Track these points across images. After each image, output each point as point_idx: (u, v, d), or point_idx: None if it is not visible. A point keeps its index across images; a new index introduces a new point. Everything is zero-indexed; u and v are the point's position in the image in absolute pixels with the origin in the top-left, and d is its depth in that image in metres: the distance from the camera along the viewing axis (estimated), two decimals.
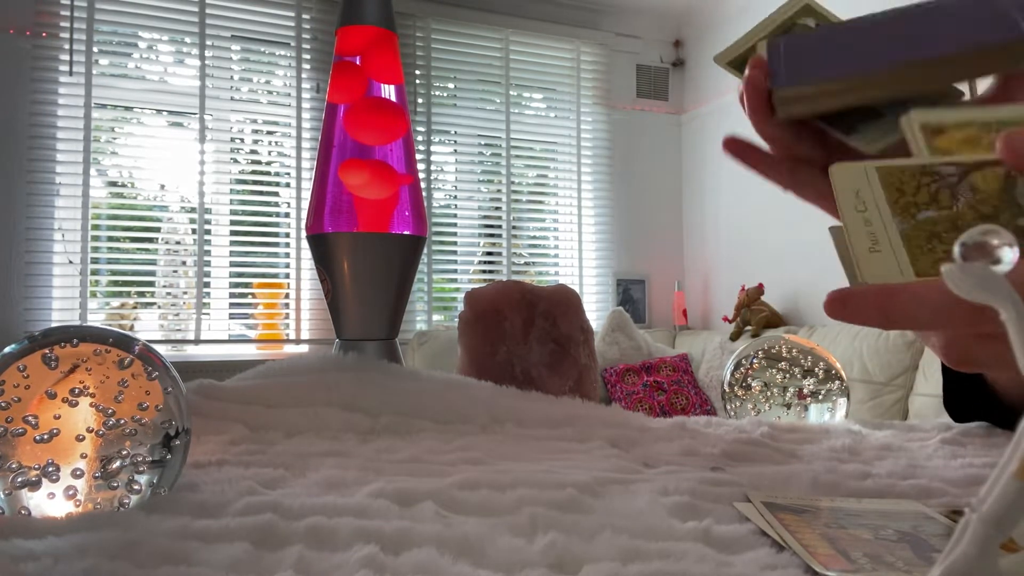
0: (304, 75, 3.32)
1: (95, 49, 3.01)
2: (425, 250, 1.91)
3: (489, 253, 3.81)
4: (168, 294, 3.18)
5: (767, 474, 0.54)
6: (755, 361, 0.90)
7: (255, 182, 3.38)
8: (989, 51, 0.37)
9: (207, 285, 3.16)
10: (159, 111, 3.22)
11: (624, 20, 3.97)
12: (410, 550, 0.35)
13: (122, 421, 0.42)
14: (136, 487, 0.42)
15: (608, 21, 3.93)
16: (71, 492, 0.40)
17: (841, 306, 0.30)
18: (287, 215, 3.35)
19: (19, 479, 0.39)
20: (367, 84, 1.22)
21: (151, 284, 3.19)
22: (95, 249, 3.04)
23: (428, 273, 3.56)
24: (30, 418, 0.40)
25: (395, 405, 0.76)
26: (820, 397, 0.87)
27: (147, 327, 3.15)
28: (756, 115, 0.44)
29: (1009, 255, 0.18)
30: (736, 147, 0.48)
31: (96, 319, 3.05)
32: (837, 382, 0.88)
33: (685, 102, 4.11)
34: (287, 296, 3.31)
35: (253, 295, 3.32)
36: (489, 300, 0.97)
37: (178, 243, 3.22)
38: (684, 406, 3.14)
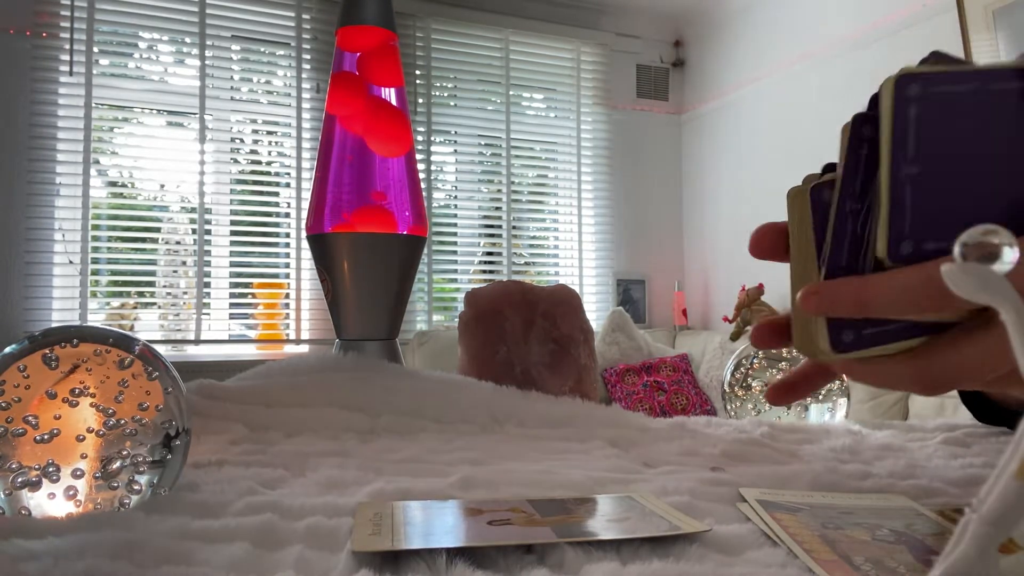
0: (304, 75, 3.32)
1: (95, 49, 3.01)
2: (425, 250, 1.91)
3: (489, 253, 3.81)
4: (168, 294, 3.18)
5: (767, 474, 0.54)
6: (755, 361, 0.90)
7: (255, 182, 3.38)
8: None
9: (207, 285, 3.16)
10: (159, 111, 3.22)
11: (624, 20, 3.97)
12: None
13: (122, 421, 0.42)
14: (136, 487, 0.42)
15: (608, 21, 3.93)
16: (71, 492, 0.40)
17: (816, 298, 0.31)
18: (287, 215, 3.35)
19: (19, 479, 0.39)
20: (367, 94, 1.22)
21: (151, 284, 3.19)
22: (95, 249, 3.04)
23: (428, 273, 3.56)
24: (30, 418, 0.40)
25: (395, 405, 0.76)
26: (820, 397, 0.87)
27: (147, 327, 3.15)
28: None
29: (1009, 255, 0.18)
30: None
31: (96, 319, 3.05)
32: (837, 382, 0.88)
33: (685, 102, 4.11)
34: (287, 296, 3.31)
35: (253, 295, 3.32)
36: (489, 300, 0.97)
37: (178, 243, 3.22)
38: (684, 406, 3.14)
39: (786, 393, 0.40)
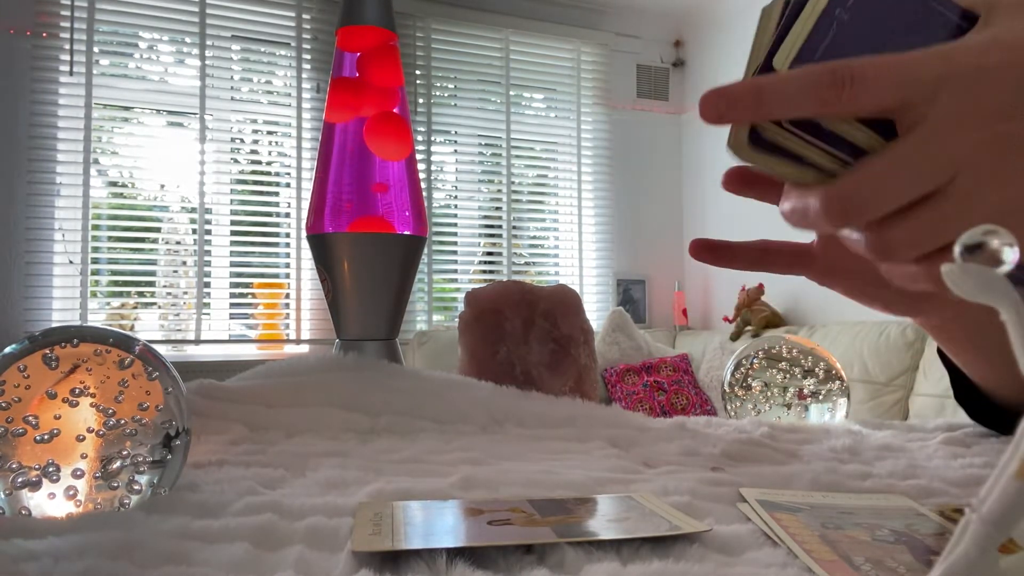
0: (304, 75, 3.33)
1: (95, 49, 3.01)
2: (425, 250, 1.91)
3: (489, 253, 3.81)
4: (168, 294, 3.18)
5: (767, 474, 0.54)
6: (755, 361, 0.90)
7: (255, 182, 3.38)
8: None
9: (207, 285, 3.16)
10: (159, 111, 3.22)
11: (624, 20, 3.97)
12: None
13: (122, 421, 0.42)
14: (136, 487, 0.42)
15: (608, 21, 3.93)
16: (71, 492, 0.40)
17: (715, 97, 0.32)
18: (287, 215, 3.35)
19: (19, 479, 0.39)
20: (366, 99, 1.22)
21: (151, 284, 3.19)
22: (95, 249, 3.05)
23: (428, 273, 3.56)
24: (30, 418, 0.40)
25: (395, 405, 0.76)
26: (820, 397, 0.87)
27: (147, 327, 3.15)
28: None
29: (1010, 255, 0.18)
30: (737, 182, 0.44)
31: (96, 319, 3.05)
32: (837, 382, 0.88)
33: (685, 102, 4.11)
34: (287, 296, 3.31)
35: (253, 295, 3.32)
36: (489, 300, 0.97)
37: (178, 243, 3.22)
38: (684, 406, 3.14)
39: (744, 184, 0.44)
